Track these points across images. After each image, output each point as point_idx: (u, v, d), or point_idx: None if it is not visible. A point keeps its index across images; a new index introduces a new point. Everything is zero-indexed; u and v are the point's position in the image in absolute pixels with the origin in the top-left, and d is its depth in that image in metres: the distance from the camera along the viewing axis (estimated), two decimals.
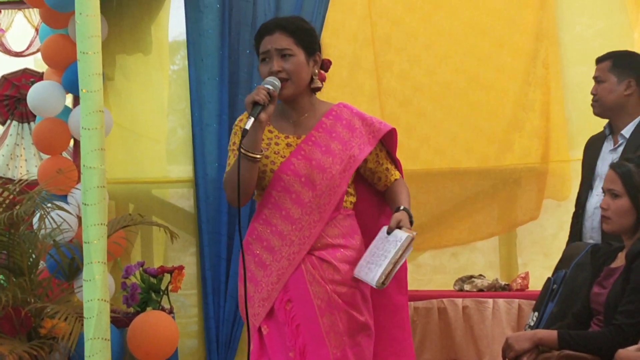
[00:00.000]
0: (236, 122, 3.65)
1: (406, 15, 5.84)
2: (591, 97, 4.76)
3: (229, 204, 4.19)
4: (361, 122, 3.60)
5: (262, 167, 3.51)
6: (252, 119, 3.32)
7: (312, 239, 3.48)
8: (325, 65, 3.67)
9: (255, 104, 3.35)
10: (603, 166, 4.71)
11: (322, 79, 3.65)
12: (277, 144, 3.56)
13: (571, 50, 5.15)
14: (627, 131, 4.70)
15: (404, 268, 3.61)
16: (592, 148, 4.86)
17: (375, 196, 3.71)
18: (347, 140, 3.54)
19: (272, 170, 3.51)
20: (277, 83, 3.44)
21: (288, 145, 3.55)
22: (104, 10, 4.66)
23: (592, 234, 4.67)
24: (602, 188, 3.78)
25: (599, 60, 4.80)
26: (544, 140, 5.11)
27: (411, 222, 3.50)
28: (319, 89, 3.64)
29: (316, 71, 3.60)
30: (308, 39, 3.56)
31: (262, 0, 5.60)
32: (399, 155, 3.73)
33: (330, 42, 5.79)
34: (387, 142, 3.69)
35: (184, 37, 5.75)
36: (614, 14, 5.68)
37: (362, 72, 5.88)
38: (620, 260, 3.72)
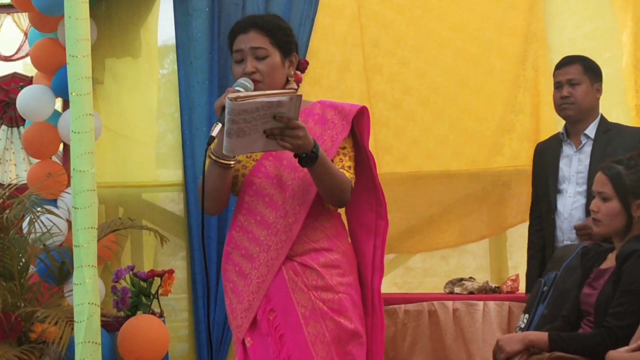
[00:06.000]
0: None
1: (395, 19, 5.83)
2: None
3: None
4: (334, 112, 3.37)
5: (235, 172, 3.35)
6: (220, 125, 3.08)
7: (290, 242, 3.29)
8: (302, 65, 3.47)
9: (225, 108, 3.08)
10: (569, 169, 4.74)
11: (298, 81, 3.46)
12: None
13: (560, 53, 5.15)
14: (590, 131, 4.73)
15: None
16: (548, 153, 4.87)
17: (365, 192, 3.43)
18: (318, 135, 3.29)
19: (243, 175, 3.36)
20: (249, 85, 3.27)
21: None
22: (93, 14, 4.67)
23: (569, 235, 4.70)
24: (592, 190, 3.78)
25: (567, 63, 4.80)
26: (533, 143, 5.10)
27: (312, 156, 3.12)
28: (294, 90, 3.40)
29: (292, 72, 3.41)
30: (284, 38, 3.35)
31: (251, 4, 5.60)
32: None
33: (320, 46, 5.79)
34: (360, 126, 3.41)
35: (173, 40, 5.75)
36: (603, 16, 5.68)
37: (352, 75, 5.87)
38: (610, 262, 3.72)
